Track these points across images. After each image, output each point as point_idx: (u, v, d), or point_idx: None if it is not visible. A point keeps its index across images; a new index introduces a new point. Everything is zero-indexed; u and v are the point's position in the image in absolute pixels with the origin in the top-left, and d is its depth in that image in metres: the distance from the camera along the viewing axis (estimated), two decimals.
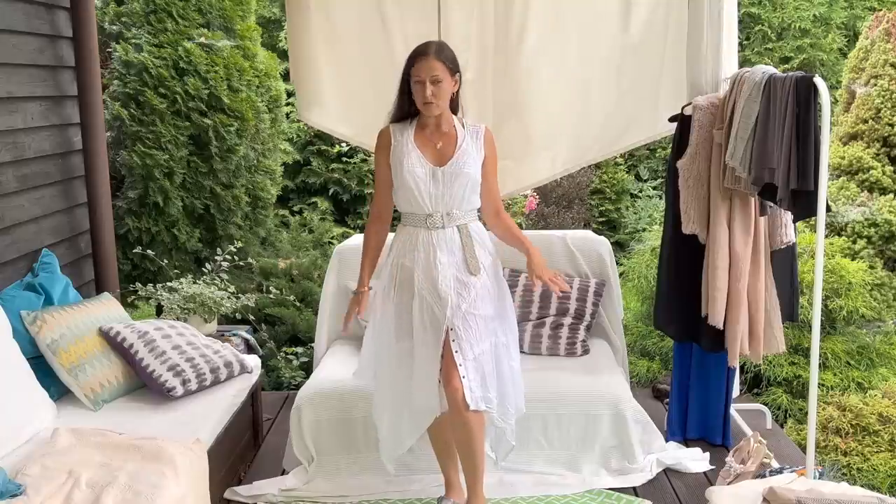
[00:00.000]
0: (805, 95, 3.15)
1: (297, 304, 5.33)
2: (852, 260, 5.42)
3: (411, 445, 3.23)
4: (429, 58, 2.93)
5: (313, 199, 7.60)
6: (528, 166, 4.28)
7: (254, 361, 3.82)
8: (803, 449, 3.73)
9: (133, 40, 5.14)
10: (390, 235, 3.24)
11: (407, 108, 3.06)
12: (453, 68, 2.99)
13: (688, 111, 3.62)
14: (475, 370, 2.95)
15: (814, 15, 9.02)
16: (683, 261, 3.69)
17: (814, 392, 3.28)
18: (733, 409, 4.06)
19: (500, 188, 3.25)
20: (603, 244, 4.22)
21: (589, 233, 4.36)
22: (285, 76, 6.64)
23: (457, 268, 3.01)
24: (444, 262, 3.00)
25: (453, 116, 3.09)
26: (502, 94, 4.14)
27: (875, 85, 6.44)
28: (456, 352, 2.94)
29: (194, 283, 4.57)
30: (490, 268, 3.08)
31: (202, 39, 5.20)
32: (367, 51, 4.14)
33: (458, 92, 3.06)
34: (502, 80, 4.13)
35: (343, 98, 4.24)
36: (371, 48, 4.12)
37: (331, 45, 4.14)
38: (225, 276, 4.79)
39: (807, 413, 3.56)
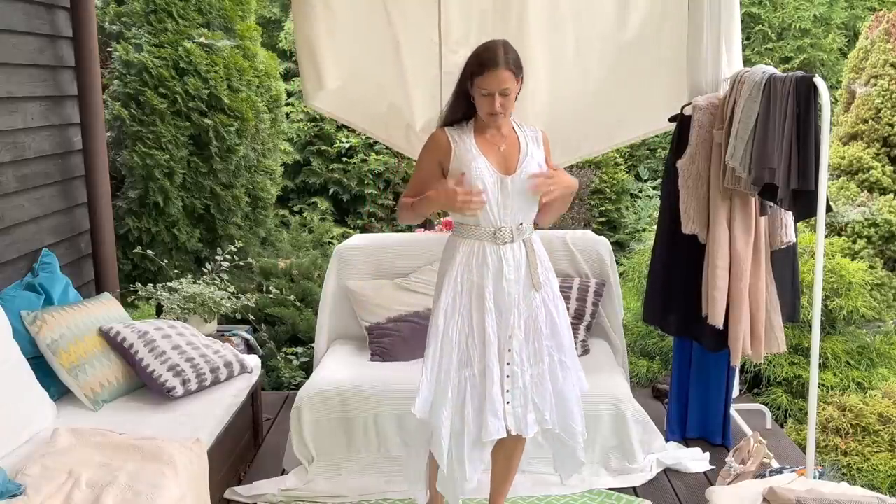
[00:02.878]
0: (805, 95, 3.14)
1: (297, 304, 5.32)
2: (852, 260, 5.42)
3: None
4: (499, 69, 2.69)
5: (313, 199, 7.60)
6: None
7: (254, 361, 3.82)
8: (803, 449, 3.73)
9: (133, 40, 5.14)
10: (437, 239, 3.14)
11: (464, 111, 2.86)
12: (517, 71, 2.76)
13: (687, 111, 3.62)
14: (523, 395, 2.84)
15: (814, 15, 9.01)
16: (678, 258, 3.69)
17: (814, 392, 3.28)
18: (733, 409, 4.06)
19: None
20: (603, 244, 4.22)
21: (589, 233, 4.36)
22: (285, 76, 6.66)
23: (522, 284, 2.85)
24: (510, 278, 2.83)
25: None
26: None
27: (875, 85, 6.43)
28: (508, 376, 2.82)
29: (194, 283, 4.57)
30: (547, 283, 2.93)
31: (202, 39, 5.19)
32: (370, 38, 4.14)
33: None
34: None
35: (348, 84, 4.23)
36: (374, 36, 4.13)
37: (334, 32, 4.13)
38: (225, 276, 4.79)
39: (807, 413, 3.56)
